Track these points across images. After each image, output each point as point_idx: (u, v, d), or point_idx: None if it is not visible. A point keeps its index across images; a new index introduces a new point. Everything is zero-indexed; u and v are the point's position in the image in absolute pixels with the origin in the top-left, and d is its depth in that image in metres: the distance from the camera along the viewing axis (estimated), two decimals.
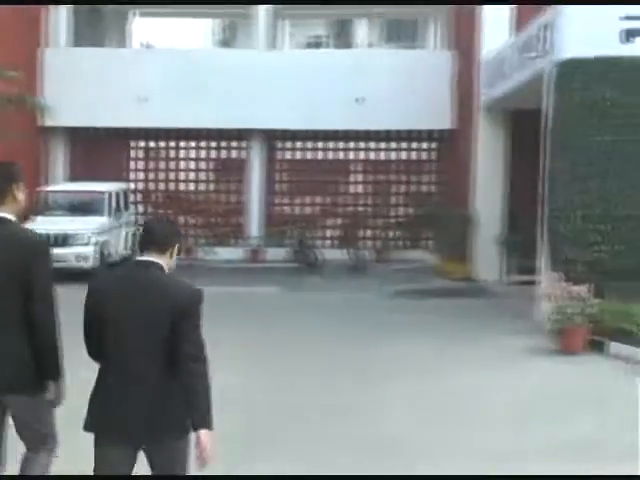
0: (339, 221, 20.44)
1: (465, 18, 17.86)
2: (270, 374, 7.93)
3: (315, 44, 38.93)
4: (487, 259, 15.38)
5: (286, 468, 5.24)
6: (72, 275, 14.53)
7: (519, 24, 14.76)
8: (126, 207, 17.73)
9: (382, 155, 20.20)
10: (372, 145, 20.09)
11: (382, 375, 8.03)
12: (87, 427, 3.43)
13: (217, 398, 3.42)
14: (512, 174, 15.69)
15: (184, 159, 20.77)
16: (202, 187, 20.82)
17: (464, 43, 17.91)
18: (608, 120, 10.13)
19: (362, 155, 20.22)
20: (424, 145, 20.11)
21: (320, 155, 20.30)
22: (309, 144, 20.22)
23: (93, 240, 15.30)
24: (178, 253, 3.56)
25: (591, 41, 10.48)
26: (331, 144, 20.14)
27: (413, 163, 20.25)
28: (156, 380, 3.33)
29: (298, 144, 20.27)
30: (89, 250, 15.14)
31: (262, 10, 19.95)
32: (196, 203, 20.57)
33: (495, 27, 15.42)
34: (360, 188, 20.48)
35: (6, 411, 3.77)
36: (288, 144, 20.35)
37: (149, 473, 3.48)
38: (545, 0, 11.90)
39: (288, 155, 20.58)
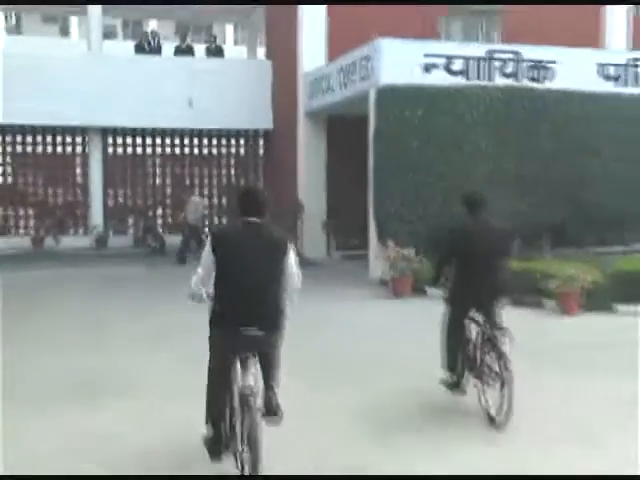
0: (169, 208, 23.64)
1: (279, 27, 21.72)
2: None
3: (107, 34, 41.16)
4: (314, 240, 19.28)
5: None
6: None
7: (333, 46, 18.85)
8: None
9: (213, 151, 23.64)
10: (204, 142, 23.46)
11: None
12: None
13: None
14: (329, 170, 19.73)
15: (21, 155, 22.80)
16: (41, 181, 22.94)
17: (283, 54, 21.63)
18: (417, 132, 14.34)
19: (195, 151, 23.53)
20: (250, 143, 23.76)
21: (158, 150, 23.30)
22: (148, 140, 23.10)
23: None
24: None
25: (402, 71, 14.68)
26: (167, 141, 23.21)
27: (239, 158, 23.90)
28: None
29: (138, 141, 23.03)
30: None
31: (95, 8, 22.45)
32: (35, 195, 22.81)
33: (313, 47, 19.37)
34: (190, 181, 23.70)
35: None
36: (128, 140, 22.99)
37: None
38: None
39: (128, 150, 23.20)
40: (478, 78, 15.22)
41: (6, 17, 41.40)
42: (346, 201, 18.74)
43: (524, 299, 11.79)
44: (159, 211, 23.59)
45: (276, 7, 21.95)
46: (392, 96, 14.45)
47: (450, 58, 15.11)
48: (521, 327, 7.28)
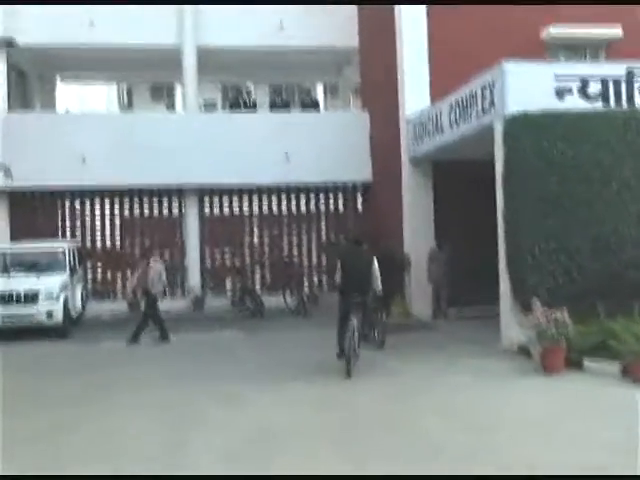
0: (267, 269, 20.09)
1: (376, 76, 18.43)
2: None
3: (207, 107, 38.87)
4: (425, 298, 15.40)
5: None
6: (41, 331, 13.68)
7: (435, 89, 15.32)
8: (80, 263, 16.75)
9: (311, 207, 20.07)
10: (301, 199, 19.98)
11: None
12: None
13: None
14: (437, 220, 15.86)
15: (121, 215, 19.86)
16: (139, 242, 19.89)
17: (381, 103, 18.20)
18: (556, 166, 10.51)
19: (293, 208, 20.01)
20: (348, 196, 20.09)
21: (255, 208, 19.96)
22: (245, 198, 19.84)
23: (62, 296, 14.22)
24: None
25: (531, 98, 10.94)
26: (264, 198, 19.86)
27: (337, 214, 20.20)
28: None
29: (234, 199, 19.82)
30: (58, 306, 14.01)
31: (191, 75, 19.91)
32: (132, 257, 19.71)
33: (415, 89, 15.88)
34: (291, 239, 20.16)
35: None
36: (225, 199, 19.84)
37: None
38: None
39: (225, 210, 19.98)
40: (618, 101, 11.28)
41: (120, 97, 39.82)
42: (458, 254, 14.83)
43: None
44: (257, 271, 20.10)
45: (371, 56, 18.74)
46: (524, 126, 10.68)
47: (585, 79, 11.24)
48: None
